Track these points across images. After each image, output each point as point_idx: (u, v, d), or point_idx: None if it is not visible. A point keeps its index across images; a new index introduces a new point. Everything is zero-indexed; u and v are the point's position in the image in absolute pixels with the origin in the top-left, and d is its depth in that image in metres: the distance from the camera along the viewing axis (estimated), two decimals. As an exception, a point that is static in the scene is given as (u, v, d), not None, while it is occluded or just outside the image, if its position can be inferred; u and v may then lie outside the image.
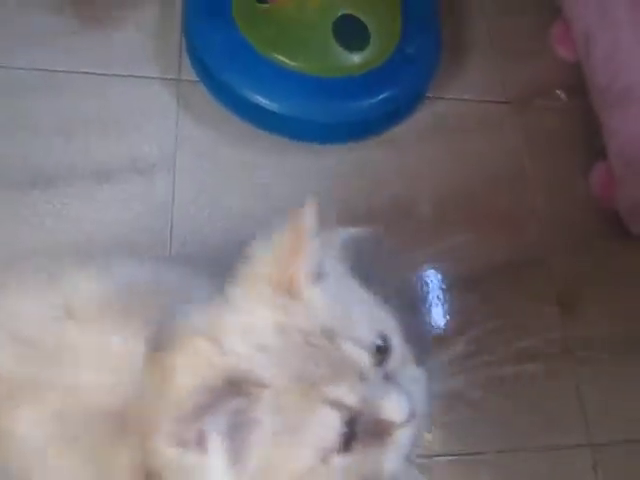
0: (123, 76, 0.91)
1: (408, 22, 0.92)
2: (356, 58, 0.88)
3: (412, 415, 0.36)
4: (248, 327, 0.37)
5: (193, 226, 0.82)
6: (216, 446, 0.33)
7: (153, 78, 0.92)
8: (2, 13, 0.92)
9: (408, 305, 0.84)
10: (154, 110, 0.90)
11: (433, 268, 0.88)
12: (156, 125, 0.89)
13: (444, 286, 0.86)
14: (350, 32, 0.89)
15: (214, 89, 0.90)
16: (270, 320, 0.37)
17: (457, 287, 0.86)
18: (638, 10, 0.84)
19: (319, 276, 0.38)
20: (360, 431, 0.35)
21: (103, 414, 0.42)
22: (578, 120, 1.01)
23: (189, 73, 0.92)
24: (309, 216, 0.37)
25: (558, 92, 1.06)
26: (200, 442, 0.33)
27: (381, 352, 0.38)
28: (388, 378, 0.37)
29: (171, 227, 0.82)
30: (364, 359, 0.36)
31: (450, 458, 0.76)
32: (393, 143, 0.94)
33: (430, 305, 0.85)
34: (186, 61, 0.93)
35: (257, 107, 0.86)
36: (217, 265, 0.43)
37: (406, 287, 0.88)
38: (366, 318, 0.38)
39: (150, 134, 0.88)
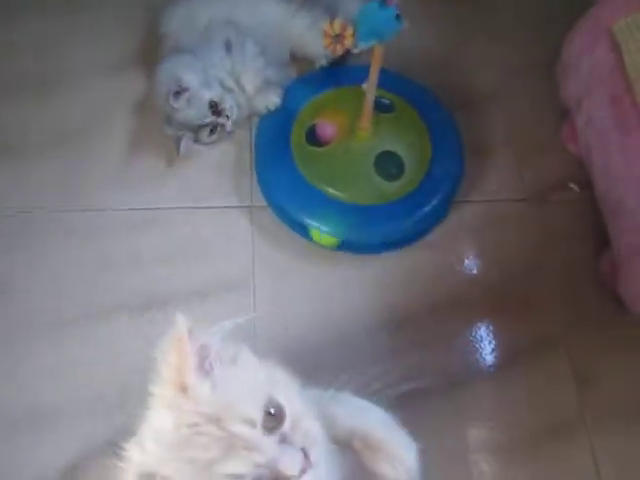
0: (207, 207, 1.15)
1: (436, 149, 1.12)
2: (393, 186, 1.09)
3: (306, 467, 0.45)
4: (157, 429, 0.48)
5: (273, 333, 1.04)
6: None
7: (232, 207, 1.15)
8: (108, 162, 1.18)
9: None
10: (234, 234, 1.13)
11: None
12: (236, 247, 1.12)
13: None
14: (388, 165, 1.09)
15: (279, 214, 1.12)
16: (169, 420, 0.46)
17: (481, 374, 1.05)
18: (627, 135, 1.00)
19: (206, 373, 0.48)
20: None
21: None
22: (590, 210, 1.17)
23: (260, 199, 1.15)
24: (182, 331, 0.49)
25: (571, 185, 1.22)
26: None
27: (276, 417, 0.46)
28: (284, 439, 0.46)
29: (255, 332, 1.04)
30: (248, 433, 0.44)
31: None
32: (430, 248, 1.13)
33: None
34: (257, 190, 1.16)
35: (312, 229, 1.07)
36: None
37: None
38: (252, 395, 0.47)
39: (232, 256, 1.11)
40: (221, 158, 1.20)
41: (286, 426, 0.47)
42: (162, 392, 0.49)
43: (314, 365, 0.99)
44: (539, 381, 1.03)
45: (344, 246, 1.08)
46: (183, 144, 1.13)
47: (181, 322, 0.49)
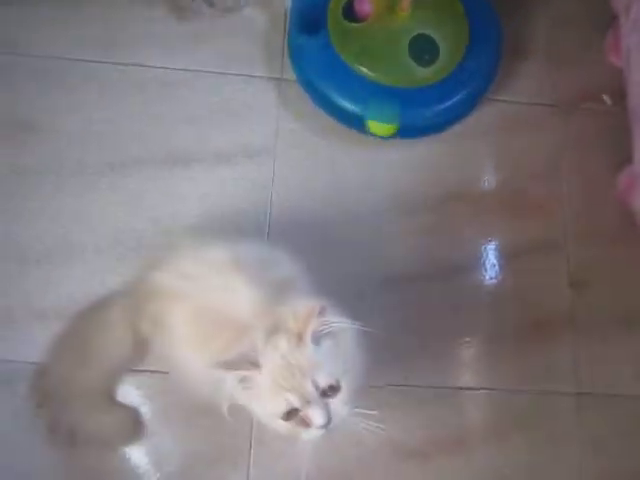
0: (237, 75, 1.16)
1: (473, 42, 1.10)
2: (425, 72, 1.08)
3: (324, 426, 0.64)
4: (276, 345, 0.65)
5: (288, 202, 1.08)
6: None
7: (261, 77, 1.16)
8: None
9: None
10: (260, 104, 1.14)
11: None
12: (261, 117, 1.14)
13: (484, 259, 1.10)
14: (422, 49, 1.08)
15: (308, 89, 1.12)
16: (284, 348, 0.64)
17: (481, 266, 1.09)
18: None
19: (317, 341, 0.65)
20: (296, 416, 0.64)
21: (224, 319, 0.72)
22: (617, 124, 1.16)
23: (290, 73, 1.15)
24: (318, 305, 0.64)
25: (604, 97, 1.21)
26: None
27: (333, 389, 0.64)
28: (327, 404, 0.64)
29: (271, 202, 1.08)
30: (310, 392, 0.63)
31: (465, 390, 1.01)
32: (451, 140, 1.14)
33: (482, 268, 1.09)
34: (288, 63, 1.16)
35: (341, 108, 1.08)
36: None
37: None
38: (330, 371, 0.64)
39: (256, 125, 1.13)
40: (256, 28, 1.19)
41: (337, 398, 0.65)
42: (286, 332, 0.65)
43: (322, 240, 1.05)
44: (535, 279, 1.08)
45: (369, 126, 1.09)
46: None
47: (319, 303, 0.65)
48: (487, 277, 1.08)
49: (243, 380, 0.65)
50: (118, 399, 0.95)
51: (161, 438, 0.95)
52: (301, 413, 0.63)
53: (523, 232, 1.11)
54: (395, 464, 0.96)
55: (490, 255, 1.09)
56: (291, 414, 0.64)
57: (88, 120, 1.10)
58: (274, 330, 0.66)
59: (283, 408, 0.63)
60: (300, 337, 0.64)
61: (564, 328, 1.06)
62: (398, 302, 1.04)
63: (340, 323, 0.65)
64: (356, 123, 1.10)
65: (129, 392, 0.96)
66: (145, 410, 0.95)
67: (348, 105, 1.07)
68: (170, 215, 1.05)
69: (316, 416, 0.63)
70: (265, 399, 0.65)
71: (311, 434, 0.65)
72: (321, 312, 0.64)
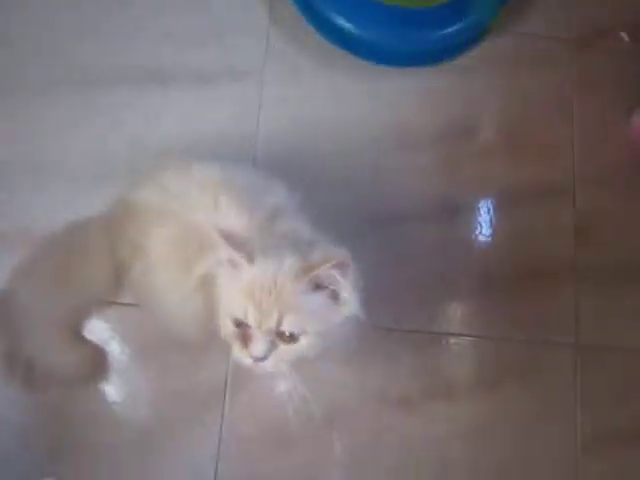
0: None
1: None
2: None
3: (255, 359, 0.60)
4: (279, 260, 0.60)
5: (276, 130, 0.99)
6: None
7: (250, -8, 1.05)
8: None
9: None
10: (250, 23, 1.04)
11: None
12: (249, 36, 1.03)
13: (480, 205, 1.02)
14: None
15: (303, 9, 1.02)
16: (282, 269, 0.59)
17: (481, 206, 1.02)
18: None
19: (314, 288, 0.60)
20: (244, 331, 0.61)
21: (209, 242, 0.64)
22: (634, 62, 1.08)
23: (283, -11, 1.05)
24: (335, 259, 0.57)
25: (622, 34, 1.12)
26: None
27: (290, 338, 0.59)
28: (273, 344, 0.60)
29: (257, 130, 0.99)
30: (269, 324, 0.58)
31: (457, 337, 0.95)
32: (456, 73, 1.05)
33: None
34: (280, -22, 1.05)
35: (339, 29, 0.98)
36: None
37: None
38: (300, 322, 0.59)
39: (244, 44, 1.03)
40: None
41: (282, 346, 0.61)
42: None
43: (314, 173, 0.97)
44: (538, 224, 1.00)
45: (369, 50, 0.99)
46: None
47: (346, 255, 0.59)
48: (486, 220, 1.00)
49: (229, 262, 0.60)
50: (84, 334, 0.87)
51: (132, 375, 0.89)
52: (249, 332, 0.60)
53: (528, 173, 1.03)
54: (380, 411, 0.90)
55: (491, 197, 1.02)
56: (241, 326, 0.61)
57: (59, 35, 0.99)
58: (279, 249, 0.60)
59: (239, 315, 0.60)
60: (304, 272, 0.58)
61: (566, 277, 0.99)
62: (392, 241, 0.97)
63: (347, 291, 0.60)
64: (356, 46, 1.00)
65: (97, 327, 0.88)
66: (115, 346, 0.88)
67: (346, 24, 0.97)
68: (148, 137, 0.96)
69: (256, 347, 0.60)
70: (233, 294, 0.60)
71: (240, 355, 0.62)
72: (340, 265, 0.58)
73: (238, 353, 0.62)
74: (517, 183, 1.03)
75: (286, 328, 0.59)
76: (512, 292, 0.97)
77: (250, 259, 0.59)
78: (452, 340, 0.94)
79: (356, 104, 1.03)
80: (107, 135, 0.96)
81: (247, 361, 0.61)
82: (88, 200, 0.84)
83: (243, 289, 0.59)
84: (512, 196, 1.02)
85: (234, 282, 0.60)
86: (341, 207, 0.95)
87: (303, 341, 0.60)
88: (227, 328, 0.62)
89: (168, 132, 0.96)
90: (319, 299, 0.60)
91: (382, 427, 0.90)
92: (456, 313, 0.96)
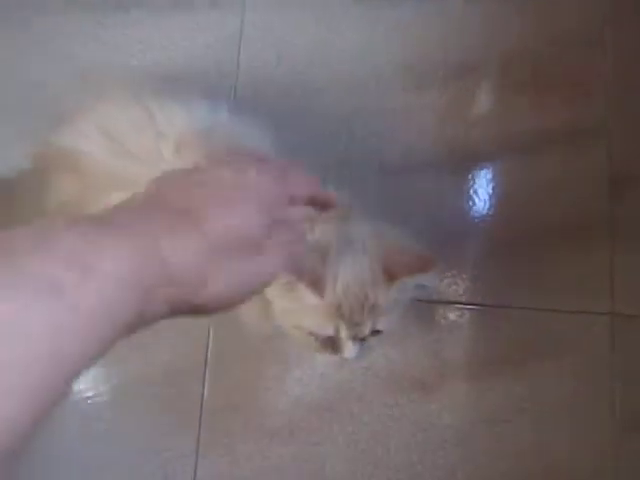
0: None
1: None
2: None
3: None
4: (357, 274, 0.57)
5: (261, 62, 0.84)
6: None
7: None
8: None
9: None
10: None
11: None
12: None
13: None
14: None
15: None
16: (365, 280, 0.57)
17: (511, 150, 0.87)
18: None
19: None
20: (331, 341, 0.58)
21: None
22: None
23: None
24: (428, 264, 0.57)
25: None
26: None
27: (376, 333, 0.58)
28: (363, 343, 0.59)
29: (238, 61, 0.83)
30: (365, 331, 0.57)
31: (476, 308, 0.82)
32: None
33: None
34: None
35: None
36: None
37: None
38: (390, 319, 0.58)
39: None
40: None
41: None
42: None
43: (304, 113, 0.82)
44: (567, 175, 0.86)
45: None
46: None
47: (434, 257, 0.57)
48: (506, 169, 0.86)
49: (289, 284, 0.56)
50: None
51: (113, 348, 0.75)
52: (339, 338, 0.58)
53: (555, 115, 0.88)
54: (395, 395, 0.77)
55: (513, 142, 0.87)
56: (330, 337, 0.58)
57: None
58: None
59: (329, 333, 0.57)
60: (393, 278, 0.56)
61: (599, 234, 0.85)
62: (397, 194, 0.83)
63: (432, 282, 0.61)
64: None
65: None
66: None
67: None
68: (102, 68, 0.80)
69: (350, 350, 0.58)
70: (309, 315, 0.56)
71: (327, 357, 0.61)
72: (430, 266, 0.56)
73: (324, 358, 0.64)
74: (543, 126, 0.88)
75: (379, 328, 0.58)
76: (536, 254, 0.84)
77: (320, 291, 0.54)
78: (468, 312, 0.81)
79: (355, 33, 0.87)
80: (51, 63, 0.81)
81: (333, 360, 0.64)
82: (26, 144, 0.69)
83: (322, 307, 0.55)
84: (537, 140, 0.87)
85: (300, 299, 0.55)
86: (336, 153, 0.81)
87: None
88: (304, 339, 0.59)
89: (128, 63, 0.81)
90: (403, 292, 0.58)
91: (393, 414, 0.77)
92: (472, 280, 0.82)
